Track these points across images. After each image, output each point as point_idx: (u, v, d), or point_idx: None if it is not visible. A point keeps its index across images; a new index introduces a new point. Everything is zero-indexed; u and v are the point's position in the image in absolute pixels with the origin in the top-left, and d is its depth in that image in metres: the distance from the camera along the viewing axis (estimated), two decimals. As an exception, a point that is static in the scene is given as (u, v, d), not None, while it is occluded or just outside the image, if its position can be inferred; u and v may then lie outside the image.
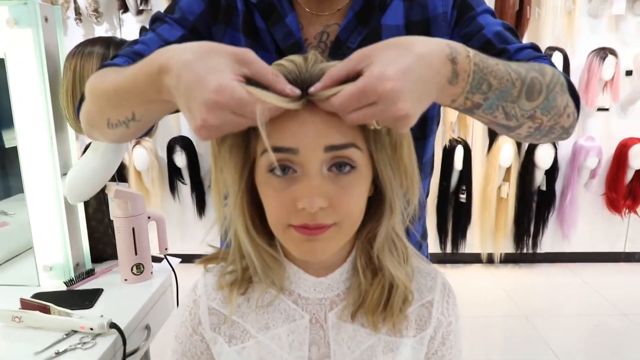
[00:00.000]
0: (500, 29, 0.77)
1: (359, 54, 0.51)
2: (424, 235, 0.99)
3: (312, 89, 0.51)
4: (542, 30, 3.10)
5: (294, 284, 0.65)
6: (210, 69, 0.48)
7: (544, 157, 3.12)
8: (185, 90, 0.49)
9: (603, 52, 3.01)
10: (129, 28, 3.15)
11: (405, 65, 0.49)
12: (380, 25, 0.79)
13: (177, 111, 0.75)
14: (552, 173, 3.20)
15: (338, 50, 0.78)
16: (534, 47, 0.76)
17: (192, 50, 0.51)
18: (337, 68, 0.51)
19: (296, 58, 0.54)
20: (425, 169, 0.90)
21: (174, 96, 0.52)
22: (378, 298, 0.62)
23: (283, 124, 0.51)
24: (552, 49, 3.03)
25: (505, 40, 0.76)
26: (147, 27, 0.83)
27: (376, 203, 0.61)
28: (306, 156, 0.52)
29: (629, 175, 3.20)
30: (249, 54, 0.50)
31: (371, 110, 0.49)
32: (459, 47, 0.55)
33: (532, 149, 3.17)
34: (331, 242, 0.56)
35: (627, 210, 3.28)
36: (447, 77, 0.53)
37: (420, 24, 0.79)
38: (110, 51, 1.19)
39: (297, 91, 0.50)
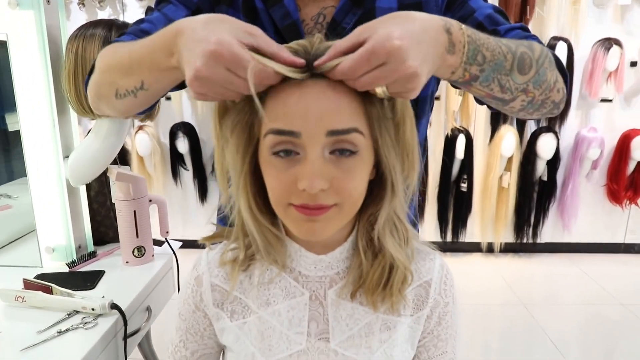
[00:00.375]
0: (491, 11, 0.79)
1: (362, 27, 0.52)
2: (414, 222, 0.99)
3: (317, 62, 0.52)
4: (547, 19, 3.07)
5: (295, 262, 0.67)
6: (218, 30, 0.51)
7: (545, 147, 3.11)
8: (191, 45, 0.52)
9: (608, 43, 2.99)
10: (132, 13, 3.14)
11: (409, 28, 0.51)
12: (375, 7, 0.81)
13: (180, 87, 0.75)
14: (553, 163, 3.20)
15: (334, 31, 0.80)
16: (523, 28, 0.78)
17: (207, 17, 0.55)
18: (341, 41, 0.53)
19: (303, 40, 0.56)
20: None
21: (182, 57, 0.54)
22: (378, 278, 0.63)
23: (286, 108, 0.53)
24: (556, 38, 3.02)
25: (495, 22, 0.79)
26: (153, 7, 0.85)
27: (378, 186, 0.62)
28: (308, 140, 0.53)
29: (631, 166, 3.19)
30: (256, 28, 0.53)
31: (381, 71, 0.50)
32: (452, 21, 0.58)
33: (534, 139, 3.16)
34: (331, 223, 0.58)
35: (627, 202, 3.28)
36: (445, 46, 0.56)
37: (412, 7, 0.81)
38: (112, 33, 1.19)
39: (301, 61, 0.52)
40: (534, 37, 0.76)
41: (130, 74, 0.65)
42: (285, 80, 0.53)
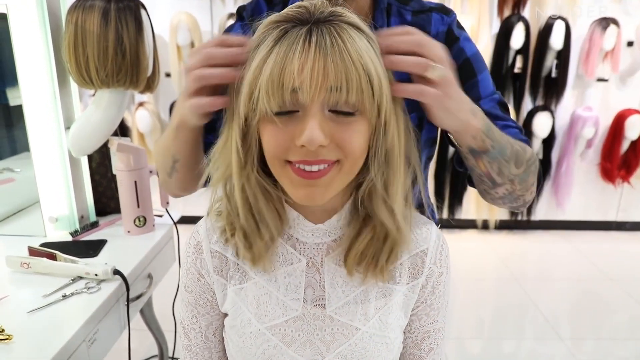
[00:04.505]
0: (495, 104, 0.83)
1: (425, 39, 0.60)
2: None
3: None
4: (545, -2, 3.07)
5: (292, 229, 0.67)
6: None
7: (541, 125, 3.13)
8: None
9: (605, 22, 2.99)
10: (130, -12, 3.12)
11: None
12: None
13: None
14: (549, 142, 3.22)
15: None
16: (519, 129, 0.82)
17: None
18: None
19: (304, 2, 0.56)
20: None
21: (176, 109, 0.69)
22: (365, 248, 0.63)
23: (287, 64, 0.52)
24: (554, 17, 3.01)
25: (495, 117, 0.80)
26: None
27: (370, 152, 0.60)
28: (308, 96, 0.52)
29: (625, 145, 3.22)
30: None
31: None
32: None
33: (530, 117, 3.18)
34: (330, 186, 0.57)
35: (620, 180, 3.32)
36: (470, 107, 0.65)
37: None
38: (111, 5, 1.19)
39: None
40: (527, 140, 0.80)
41: (164, 155, 0.77)
42: (285, 39, 0.53)
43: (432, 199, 3.52)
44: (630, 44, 3.11)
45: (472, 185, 0.83)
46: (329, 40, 0.52)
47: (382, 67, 0.56)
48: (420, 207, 0.71)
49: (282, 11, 0.57)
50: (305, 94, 0.52)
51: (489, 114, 0.76)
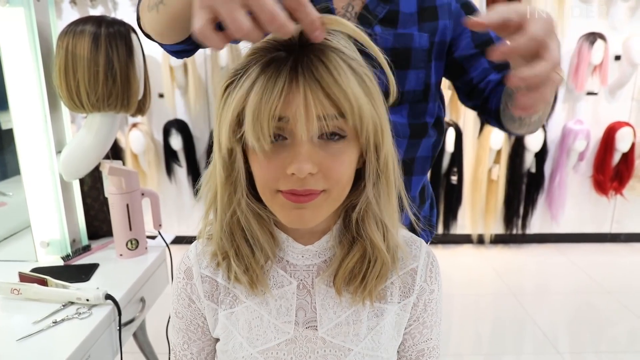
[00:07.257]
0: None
1: (538, 20, 0.54)
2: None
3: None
4: (533, 14, 3.11)
5: (282, 252, 0.67)
6: None
7: (533, 139, 3.16)
8: None
9: (592, 37, 3.04)
10: (123, 11, 3.14)
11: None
12: (398, 11, 0.90)
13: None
14: (541, 155, 3.25)
15: (364, 18, 0.90)
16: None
17: None
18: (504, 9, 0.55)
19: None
20: (417, 164, 0.95)
21: None
22: (360, 268, 0.63)
23: (274, 95, 0.52)
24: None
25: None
26: None
27: (364, 175, 0.61)
28: (296, 125, 0.52)
29: (616, 157, 3.25)
30: None
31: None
32: None
33: (522, 132, 3.21)
34: (319, 210, 0.57)
35: (613, 192, 3.33)
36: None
37: (429, 10, 0.93)
38: (102, 30, 1.20)
39: (290, 28, 0.48)
40: None
41: None
42: (270, 69, 0.53)
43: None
44: (617, 57, 3.16)
45: (500, 126, 0.92)
46: (314, 69, 0.52)
47: (369, 88, 0.56)
48: (411, 225, 0.71)
49: (266, 37, 0.56)
50: (294, 124, 0.52)
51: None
